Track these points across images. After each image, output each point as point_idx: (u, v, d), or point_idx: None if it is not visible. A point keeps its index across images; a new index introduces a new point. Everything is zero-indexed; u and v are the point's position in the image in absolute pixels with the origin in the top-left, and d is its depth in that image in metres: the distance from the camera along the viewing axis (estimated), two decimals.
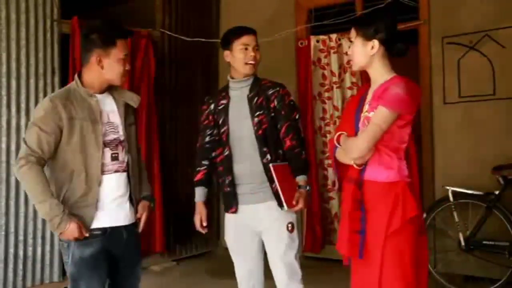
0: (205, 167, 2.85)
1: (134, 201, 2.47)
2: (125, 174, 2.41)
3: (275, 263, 2.71)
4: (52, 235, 4.23)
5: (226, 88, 2.84)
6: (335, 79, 5.04)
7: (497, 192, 4.00)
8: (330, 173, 5.13)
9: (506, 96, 4.26)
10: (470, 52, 4.41)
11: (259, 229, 2.72)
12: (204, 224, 2.81)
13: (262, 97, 2.71)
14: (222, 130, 2.76)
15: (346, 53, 4.96)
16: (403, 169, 2.22)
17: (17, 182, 4.06)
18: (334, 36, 5.02)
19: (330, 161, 5.11)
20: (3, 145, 4.02)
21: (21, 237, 4.10)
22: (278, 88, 2.74)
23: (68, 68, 4.39)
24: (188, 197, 5.47)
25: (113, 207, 2.36)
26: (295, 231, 2.71)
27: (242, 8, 5.62)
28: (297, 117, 2.75)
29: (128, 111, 2.48)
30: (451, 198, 4.12)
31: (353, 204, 2.22)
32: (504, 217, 3.98)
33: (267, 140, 2.69)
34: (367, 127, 2.18)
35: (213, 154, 2.83)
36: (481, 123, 4.37)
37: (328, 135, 5.08)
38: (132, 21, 4.86)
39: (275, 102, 2.71)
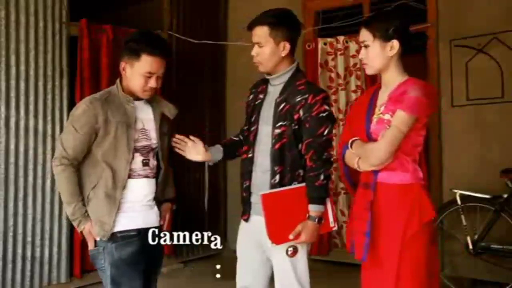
0: (238, 138, 2.63)
1: (157, 204, 2.52)
2: (154, 180, 2.48)
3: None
4: (59, 236, 4.28)
5: (267, 81, 2.53)
6: (340, 81, 5.04)
7: (505, 196, 3.97)
8: (337, 175, 5.12)
9: None
10: (478, 54, 4.39)
11: (266, 246, 2.39)
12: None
13: (289, 105, 2.34)
14: (252, 128, 2.47)
15: (353, 56, 4.97)
16: (418, 171, 2.16)
17: (25, 183, 4.10)
18: (341, 38, 5.02)
19: (336, 165, 5.12)
20: (12, 146, 4.04)
21: (29, 238, 4.12)
22: (307, 96, 2.33)
23: (76, 70, 4.42)
24: (196, 200, 5.55)
25: (145, 209, 2.43)
26: (300, 254, 2.36)
27: (249, 11, 5.52)
28: (325, 132, 2.31)
29: (163, 121, 2.53)
30: (458, 201, 4.10)
31: (362, 205, 2.15)
32: None
33: (283, 157, 2.33)
34: (387, 131, 2.09)
35: (241, 151, 2.58)
36: (489, 126, 4.35)
37: (334, 137, 5.08)
38: (140, 23, 4.89)
39: (301, 113, 2.32)
